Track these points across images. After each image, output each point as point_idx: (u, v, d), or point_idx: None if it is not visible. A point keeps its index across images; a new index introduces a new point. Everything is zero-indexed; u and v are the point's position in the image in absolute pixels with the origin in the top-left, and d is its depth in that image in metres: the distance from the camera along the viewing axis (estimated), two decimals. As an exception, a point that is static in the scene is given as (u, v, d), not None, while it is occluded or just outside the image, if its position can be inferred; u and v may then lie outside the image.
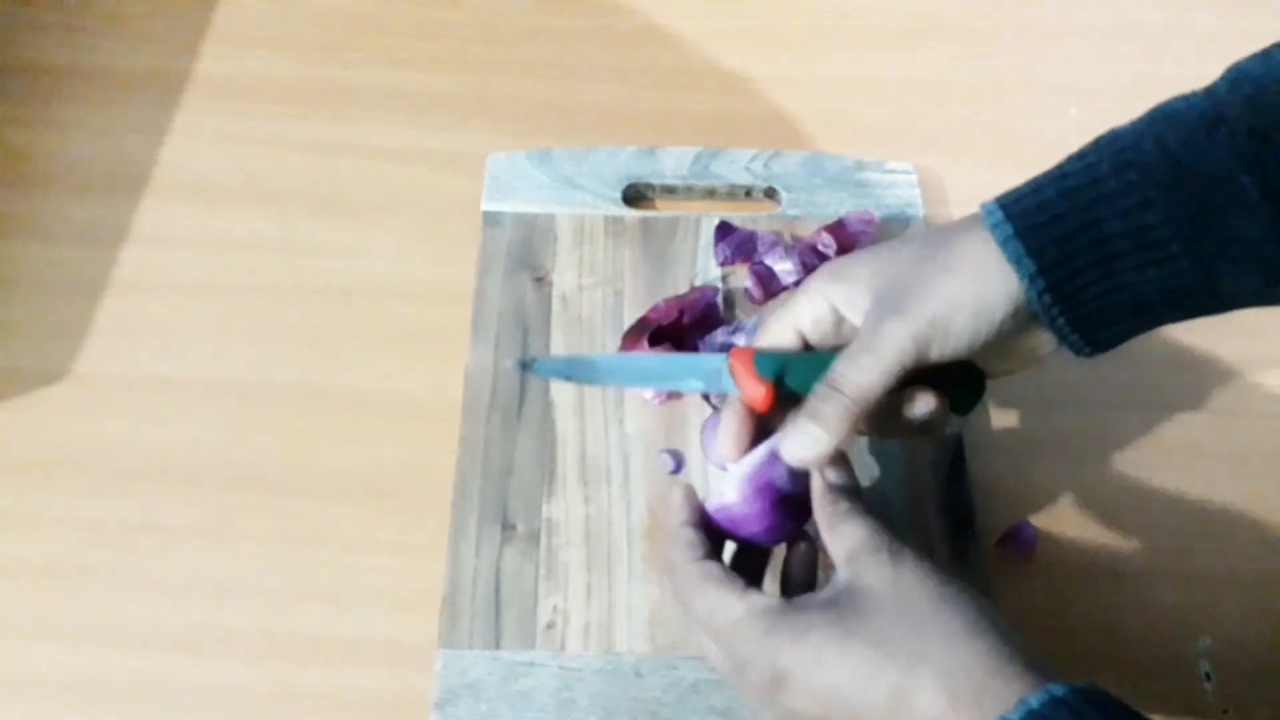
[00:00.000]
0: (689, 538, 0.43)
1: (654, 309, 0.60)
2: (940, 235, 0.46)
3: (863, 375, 0.43)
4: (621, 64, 0.75)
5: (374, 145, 0.69)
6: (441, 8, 0.77)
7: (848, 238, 0.62)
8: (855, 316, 0.45)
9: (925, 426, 0.45)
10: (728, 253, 0.63)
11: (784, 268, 0.62)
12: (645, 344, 0.58)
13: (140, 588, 0.53)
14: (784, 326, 0.46)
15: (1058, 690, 0.35)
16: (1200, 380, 0.61)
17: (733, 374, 0.46)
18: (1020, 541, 0.55)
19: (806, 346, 0.47)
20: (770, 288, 0.62)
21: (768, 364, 0.45)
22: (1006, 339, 0.44)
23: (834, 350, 0.45)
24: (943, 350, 0.43)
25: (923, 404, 0.44)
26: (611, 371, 0.51)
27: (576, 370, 0.51)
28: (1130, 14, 0.80)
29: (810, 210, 0.66)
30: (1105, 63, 0.77)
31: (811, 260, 0.62)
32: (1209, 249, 0.41)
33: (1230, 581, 0.55)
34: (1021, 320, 0.43)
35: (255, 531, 0.55)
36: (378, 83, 0.73)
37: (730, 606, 0.41)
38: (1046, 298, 0.42)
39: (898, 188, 0.67)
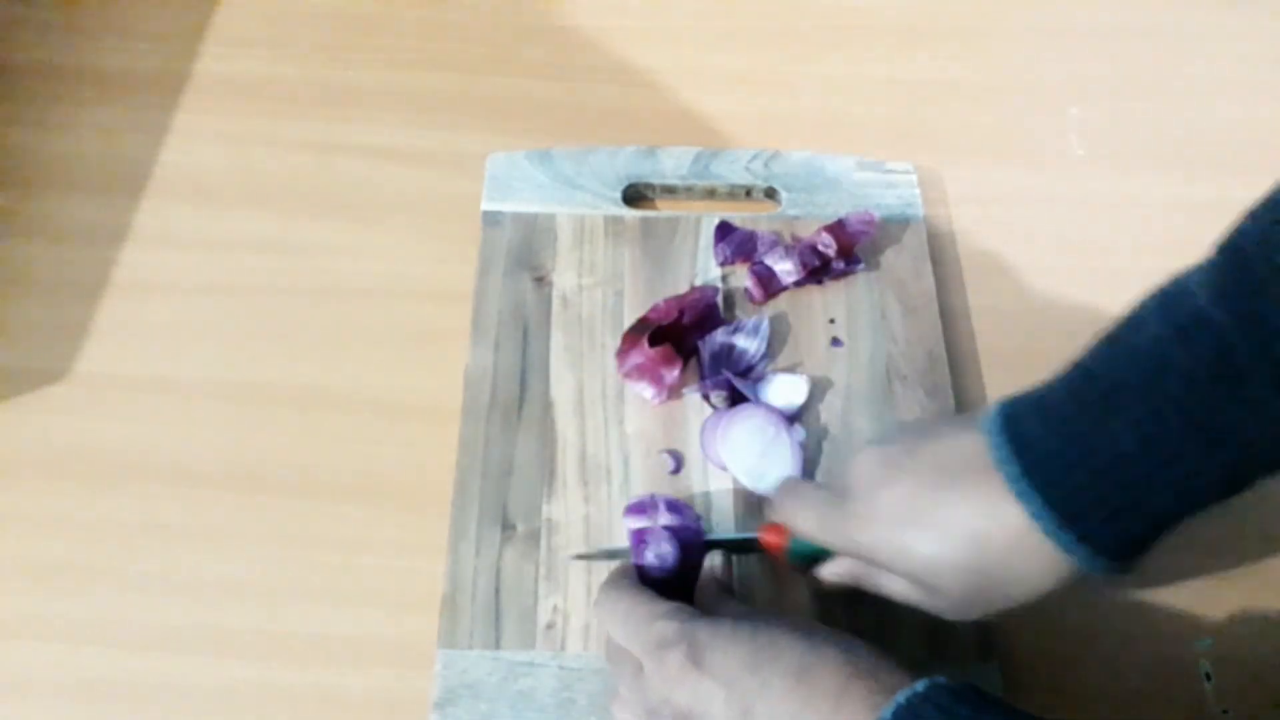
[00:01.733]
0: (622, 570, 0.49)
1: (654, 309, 0.60)
2: (968, 514, 0.43)
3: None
4: (621, 64, 0.75)
5: (374, 145, 0.69)
6: (441, 8, 0.77)
7: (848, 238, 0.62)
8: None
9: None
10: (728, 253, 0.63)
11: (784, 268, 0.62)
12: (645, 344, 0.58)
13: (140, 588, 0.53)
14: (811, 533, 0.48)
15: (940, 680, 0.39)
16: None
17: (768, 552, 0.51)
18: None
19: None
20: (770, 288, 0.62)
21: (800, 559, 0.50)
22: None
23: None
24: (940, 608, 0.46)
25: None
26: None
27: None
28: (1130, 14, 0.80)
29: (810, 210, 0.66)
30: (1105, 63, 0.77)
31: (811, 260, 0.62)
32: (1261, 477, 0.40)
33: (1230, 581, 0.55)
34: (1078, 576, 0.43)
35: (255, 531, 0.55)
36: (378, 83, 0.73)
37: (656, 603, 0.45)
38: (1103, 563, 0.41)
39: (898, 188, 0.67)
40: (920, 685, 0.38)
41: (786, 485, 0.51)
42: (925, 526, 0.43)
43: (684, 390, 0.59)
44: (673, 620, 0.44)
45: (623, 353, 0.59)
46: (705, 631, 0.43)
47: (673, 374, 0.58)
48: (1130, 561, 0.42)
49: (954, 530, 0.43)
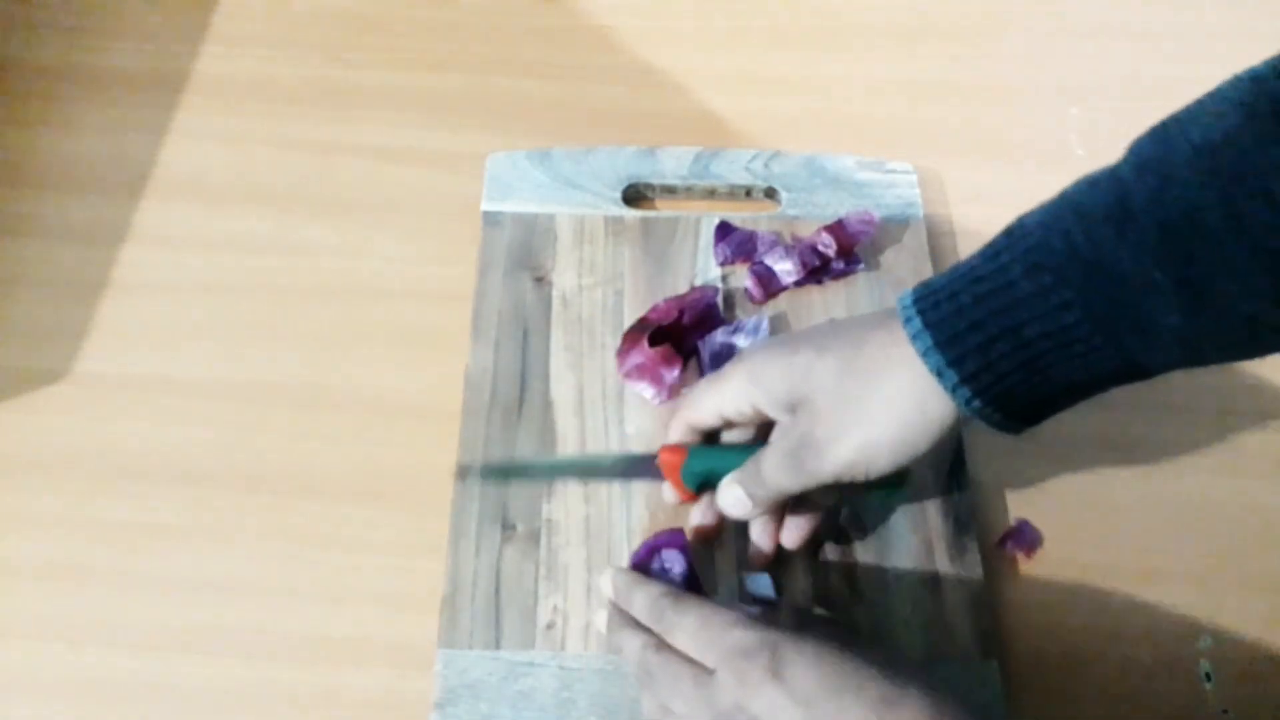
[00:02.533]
0: (656, 586, 0.48)
1: (654, 309, 0.60)
2: (860, 342, 0.46)
3: (788, 483, 0.48)
4: (621, 64, 0.75)
5: (374, 145, 0.69)
6: (441, 8, 0.77)
7: (848, 238, 0.62)
8: (777, 415, 0.48)
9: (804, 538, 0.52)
10: (728, 253, 0.63)
11: (784, 268, 0.62)
12: (645, 344, 0.58)
13: (140, 588, 0.53)
14: (706, 411, 0.50)
15: None
16: (1200, 380, 0.61)
17: (665, 474, 0.52)
18: (1020, 541, 0.55)
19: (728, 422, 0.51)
20: (770, 288, 0.62)
21: (694, 477, 0.51)
22: (949, 436, 0.46)
23: (751, 444, 0.50)
24: (879, 468, 0.46)
25: (794, 534, 0.51)
26: (543, 470, 0.56)
27: (513, 473, 0.56)
28: (1130, 14, 0.80)
29: (810, 210, 0.66)
30: (1105, 63, 0.77)
31: (811, 260, 0.62)
32: (1131, 339, 0.41)
33: (1230, 581, 0.55)
34: (951, 423, 0.45)
35: (255, 531, 0.55)
36: (378, 83, 0.73)
37: (729, 610, 0.45)
38: (976, 402, 0.43)
39: (898, 188, 0.67)
40: None
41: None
42: (811, 343, 0.47)
43: (684, 390, 0.59)
44: (753, 629, 0.43)
45: (623, 353, 0.59)
46: (790, 646, 0.42)
47: (673, 374, 0.58)
48: (1010, 418, 0.44)
49: (838, 338, 0.47)
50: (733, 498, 0.50)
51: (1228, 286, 0.39)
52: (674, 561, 0.51)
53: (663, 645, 0.45)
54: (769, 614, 0.45)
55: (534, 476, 0.55)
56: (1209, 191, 0.39)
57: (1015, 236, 0.43)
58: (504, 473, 0.55)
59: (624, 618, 0.48)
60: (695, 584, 0.51)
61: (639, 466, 0.54)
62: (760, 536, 0.52)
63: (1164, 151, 0.41)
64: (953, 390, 0.43)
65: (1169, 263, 0.40)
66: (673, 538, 0.51)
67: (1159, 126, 0.43)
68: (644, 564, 0.51)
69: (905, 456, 0.45)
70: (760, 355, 0.49)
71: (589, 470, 0.56)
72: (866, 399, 0.45)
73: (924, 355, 0.43)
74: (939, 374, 0.43)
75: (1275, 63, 0.41)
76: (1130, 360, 0.42)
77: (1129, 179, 0.41)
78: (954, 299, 0.43)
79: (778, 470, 0.47)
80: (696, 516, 0.52)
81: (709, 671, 0.43)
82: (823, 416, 0.46)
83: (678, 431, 0.52)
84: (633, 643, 0.46)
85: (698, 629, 0.44)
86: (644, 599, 0.47)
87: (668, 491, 0.53)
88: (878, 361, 0.45)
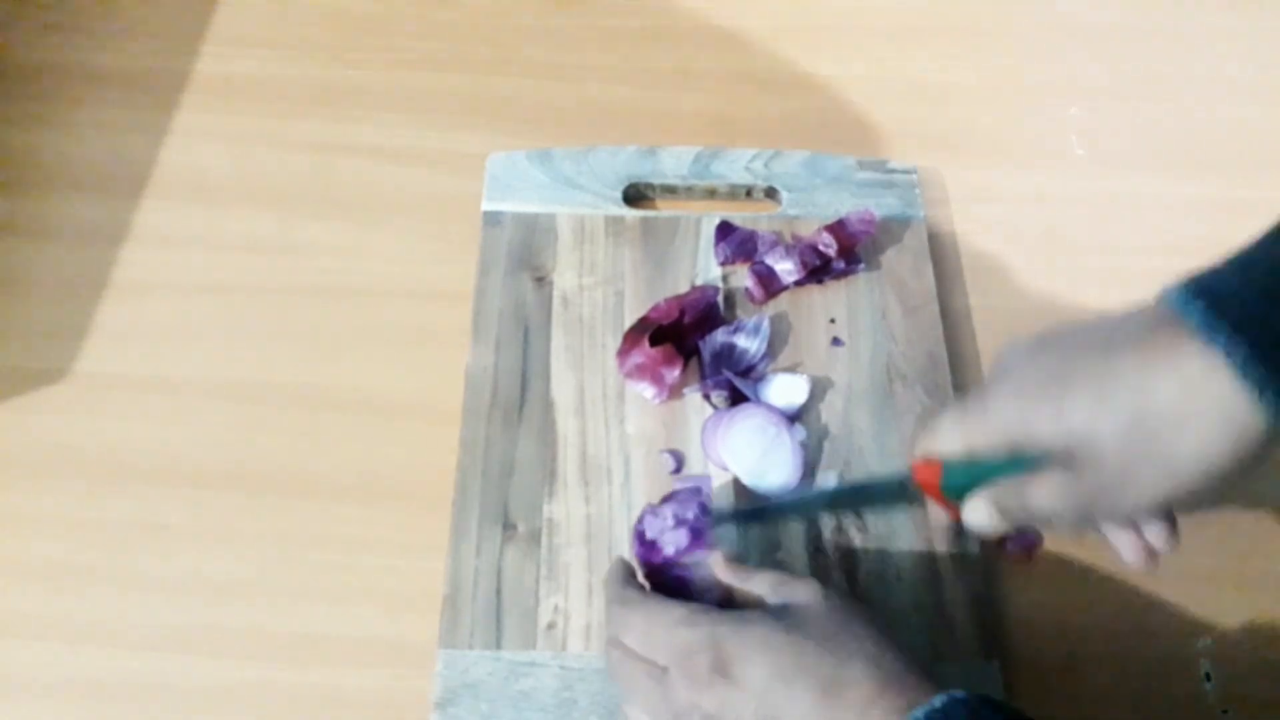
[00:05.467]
0: (625, 573, 0.48)
1: (654, 309, 0.60)
2: (1147, 378, 0.38)
3: (1065, 516, 0.42)
4: (621, 64, 0.75)
5: (374, 145, 0.69)
6: (441, 8, 0.77)
7: (848, 237, 0.62)
8: (1041, 450, 0.41)
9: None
10: (728, 252, 0.63)
11: (784, 267, 0.62)
12: (646, 343, 0.58)
13: (140, 588, 0.53)
14: (956, 448, 0.44)
15: (959, 694, 0.38)
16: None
17: (924, 489, 0.46)
18: (1020, 541, 0.55)
19: None
20: (771, 287, 0.62)
21: (959, 491, 0.45)
22: (1254, 465, 0.38)
23: (1009, 462, 0.43)
24: (1184, 507, 0.42)
25: (1135, 550, 0.46)
26: (797, 508, 0.54)
27: (762, 516, 0.54)
28: (1130, 14, 0.80)
29: (811, 210, 0.66)
30: (1105, 63, 0.77)
31: (812, 260, 0.62)
32: None
33: (1230, 581, 0.55)
34: (1268, 439, 0.37)
35: (255, 531, 0.55)
36: (378, 83, 0.73)
37: (674, 607, 0.45)
38: None
39: (898, 188, 0.67)
40: (938, 701, 0.38)
41: (923, 419, 0.48)
42: (1082, 383, 0.39)
43: (685, 390, 0.59)
44: (696, 627, 0.43)
45: (623, 352, 0.59)
46: (733, 640, 0.42)
47: (673, 373, 0.58)
48: None
49: (1116, 381, 0.38)
50: (985, 515, 0.44)
51: None
52: (690, 509, 0.49)
53: (630, 650, 0.46)
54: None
55: (788, 513, 0.54)
56: None
57: None
58: (756, 515, 0.54)
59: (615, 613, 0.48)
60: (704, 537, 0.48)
61: (897, 490, 0.49)
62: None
63: None
64: (1275, 403, 0.36)
65: None
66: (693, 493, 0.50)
67: None
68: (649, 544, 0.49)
69: (1217, 490, 0.38)
70: (1021, 397, 0.41)
71: (843, 502, 0.53)
72: (1168, 449, 0.38)
73: (1241, 370, 0.36)
74: (1259, 385, 0.36)
75: None
76: None
77: None
78: (1267, 311, 0.36)
79: (1055, 504, 0.41)
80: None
81: (663, 669, 0.44)
82: (1114, 471, 0.39)
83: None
84: (613, 654, 0.46)
85: (645, 630, 0.45)
86: (607, 598, 0.48)
87: (645, 478, 0.52)
88: (1174, 402, 0.37)
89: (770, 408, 0.57)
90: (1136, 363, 0.38)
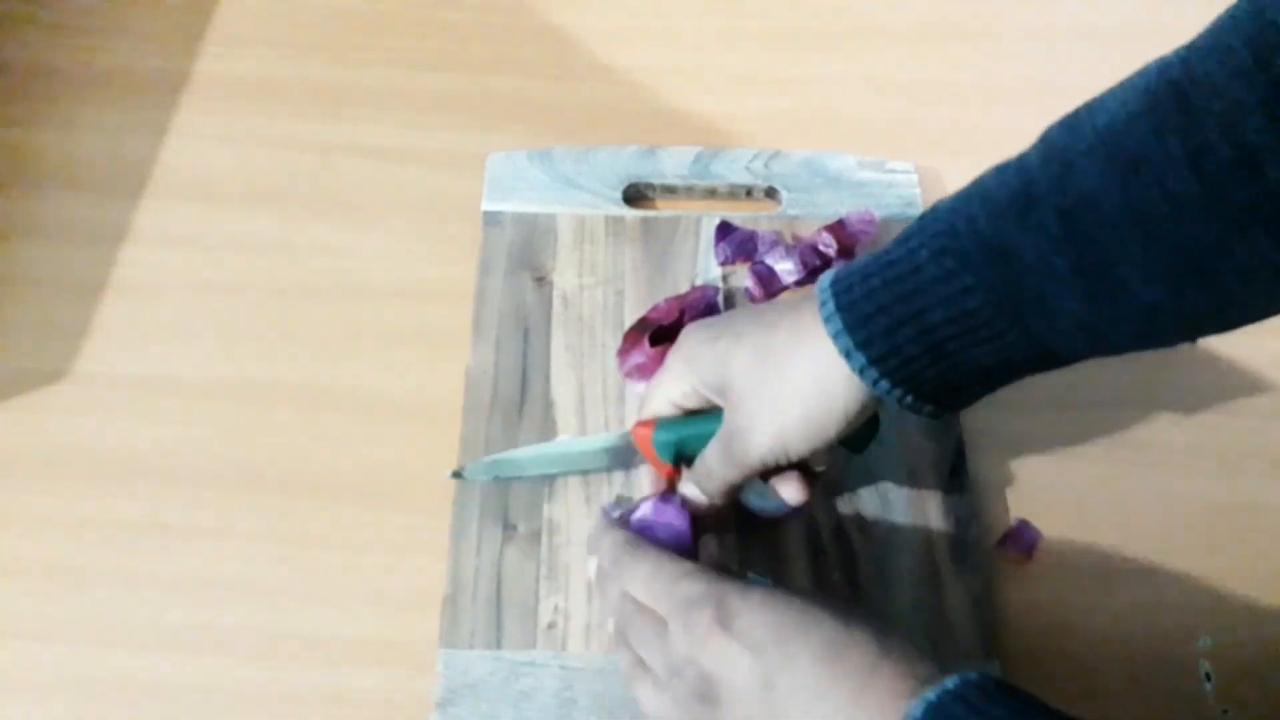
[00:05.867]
0: (620, 533, 0.49)
1: (654, 309, 0.60)
2: (773, 327, 0.47)
3: (727, 473, 0.49)
4: (621, 64, 0.75)
5: (374, 145, 0.69)
6: (441, 8, 0.77)
7: (848, 238, 0.63)
8: (715, 397, 0.49)
9: (803, 494, 0.50)
10: (728, 252, 0.63)
11: (785, 267, 0.62)
12: (646, 343, 0.58)
13: (140, 588, 0.53)
14: (662, 402, 0.51)
15: (972, 676, 0.39)
16: (1200, 380, 0.61)
17: (641, 451, 0.53)
18: (1020, 541, 0.55)
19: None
20: (771, 287, 0.62)
21: (666, 448, 0.51)
22: (862, 418, 0.46)
23: (715, 411, 0.50)
24: (798, 452, 0.47)
25: (790, 490, 0.50)
26: (532, 464, 0.56)
27: (501, 469, 0.55)
28: (1130, 14, 0.80)
29: (811, 210, 0.66)
30: (1105, 63, 0.77)
31: (812, 260, 0.62)
32: (1035, 324, 0.42)
33: (1230, 581, 0.55)
34: (860, 406, 0.45)
35: (255, 531, 0.55)
36: (378, 83, 0.73)
37: (681, 561, 0.46)
38: (884, 384, 0.44)
39: (898, 188, 0.67)
40: (951, 682, 0.38)
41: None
42: (734, 331, 0.48)
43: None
44: (701, 580, 0.44)
45: (624, 352, 0.59)
46: (736, 595, 0.43)
47: (673, 374, 0.58)
48: (920, 398, 0.44)
49: (755, 325, 0.47)
50: (691, 493, 0.51)
51: (1126, 274, 0.39)
52: (673, 517, 0.50)
53: (632, 600, 0.46)
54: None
55: (526, 472, 0.55)
56: (1108, 179, 0.39)
57: (926, 221, 0.44)
58: (495, 468, 0.55)
59: (607, 569, 0.48)
60: (691, 544, 0.50)
61: (624, 452, 0.55)
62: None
63: (1069, 138, 0.42)
64: (860, 371, 0.44)
65: (1068, 249, 0.40)
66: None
67: (1071, 114, 0.43)
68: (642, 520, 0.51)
69: (819, 440, 0.46)
70: (692, 341, 0.50)
71: (577, 461, 0.56)
72: (778, 385, 0.46)
73: (834, 337, 0.44)
74: (847, 355, 0.44)
75: (1183, 51, 0.42)
76: (1038, 345, 0.42)
77: (1034, 165, 0.42)
78: (866, 282, 0.44)
79: (717, 462, 0.49)
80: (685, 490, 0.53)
81: (663, 620, 0.44)
82: (743, 404, 0.47)
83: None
84: (613, 592, 0.47)
85: (649, 578, 0.45)
86: (608, 545, 0.48)
87: (648, 477, 0.54)
88: (789, 347, 0.46)
89: None
90: (774, 314, 0.48)
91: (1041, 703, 0.38)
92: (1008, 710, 0.37)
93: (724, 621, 0.42)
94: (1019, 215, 0.41)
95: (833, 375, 0.45)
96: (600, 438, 0.56)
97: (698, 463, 0.50)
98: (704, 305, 0.60)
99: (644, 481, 0.55)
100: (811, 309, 0.45)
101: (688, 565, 0.45)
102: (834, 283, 0.45)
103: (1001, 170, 0.43)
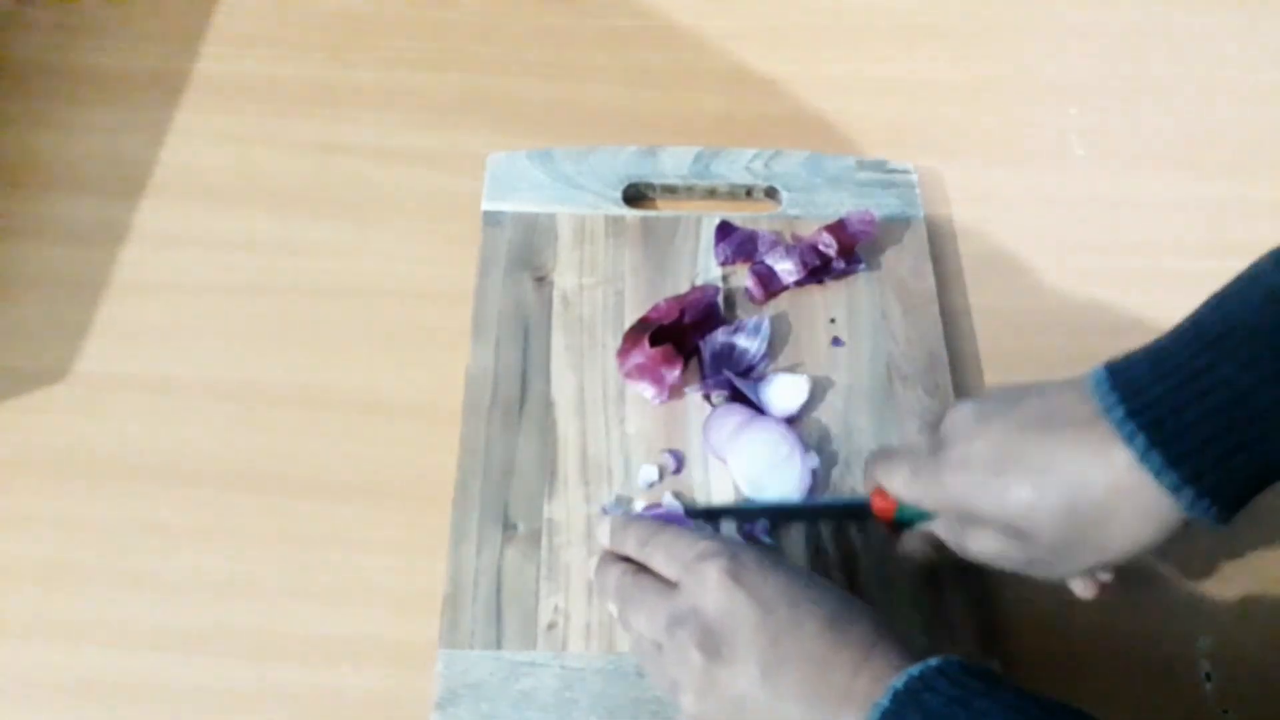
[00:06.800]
0: (644, 518, 0.50)
1: (655, 309, 0.60)
2: (1080, 473, 0.42)
3: (991, 563, 0.47)
4: (621, 64, 0.75)
5: (374, 145, 0.69)
6: (441, 8, 0.77)
7: (848, 237, 0.62)
8: (996, 525, 0.45)
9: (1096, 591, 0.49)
10: (728, 252, 0.63)
11: (785, 267, 0.62)
12: (646, 344, 0.58)
13: (140, 588, 0.53)
14: (908, 495, 0.48)
15: (955, 658, 0.40)
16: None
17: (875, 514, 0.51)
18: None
19: None
20: (771, 287, 0.62)
21: (905, 523, 0.50)
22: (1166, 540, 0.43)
23: None
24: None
25: (1082, 587, 0.48)
26: (749, 514, 0.55)
27: (713, 515, 0.54)
28: (1130, 14, 0.80)
29: (811, 210, 0.66)
30: (1105, 63, 0.77)
31: (812, 260, 0.62)
32: None
33: (1230, 581, 0.55)
34: (1181, 525, 0.42)
35: (255, 531, 0.55)
36: (377, 83, 0.73)
37: (701, 533, 0.47)
38: (1213, 510, 0.40)
39: (898, 188, 0.67)
40: (935, 660, 0.39)
41: (881, 449, 0.52)
42: (1022, 469, 0.43)
43: (685, 390, 0.59)
44: (717, 540, 0.45)
45: (623, 353, 0.59)
46: (751, 554, 0.44)
47: (673, 374, 0.58)
48: (1234, 509, 0.41)
49: (1053, 473, 0.42)
50: (922, 547, 0.50)
51: None
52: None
53: (640, 570, 0.47)
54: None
55: (741, 517, 0.55)
56: None
57: (1231, 345, 0.40)
58: (710, 513, 0.54)
59: (611, 557, 0.49)
60: None
61: (853, 513, 0.54)
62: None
63: None
64: (1190, 505, 0.40)
65: None
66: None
67: None
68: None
69: (1146, 555, 0.43)
70: (967, 472, 0.45)
71: (798, 514, 0.55)
72: (1099, 536, 0.42)
73: (1157, 475, 0.40)
74: (1175, 491, 0.40)
75: None
76: None
77: None
78: (1179, 414, 0.40)
79: (992, 556, 0.46)
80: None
81: (675, 585, 0.45)
82: (1050, 549, 0.44)
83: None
84: (614, 572, 0.48)
85: (670, 545, 0.46)
86: (636, 531, 0.48)
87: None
88: (1103, 499, 0.41)
89: (788, 429, 0.57)
90: (1070, 455, 0.42)
91: (1018, 687, 0.40)
92: (985, 684, 0.39)
93: (735, 574, 0.43)
94: None
95: (1159, 513, 0.41)
96: (838, 498, 0.55)
97: (951, 531, 0.47)
98: (704, 305, 0.60)
99: (640, 482, 0.55)
100: (1113, 445, 0.41)
101: (706, 532, 0.47)
102: (1132, 414, 0.40)
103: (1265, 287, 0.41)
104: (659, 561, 0.46)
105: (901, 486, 0.48)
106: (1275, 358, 0.39)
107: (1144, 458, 0.40)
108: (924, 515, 0.48)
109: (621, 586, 0.47)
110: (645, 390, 0.58)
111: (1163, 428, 0.40)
